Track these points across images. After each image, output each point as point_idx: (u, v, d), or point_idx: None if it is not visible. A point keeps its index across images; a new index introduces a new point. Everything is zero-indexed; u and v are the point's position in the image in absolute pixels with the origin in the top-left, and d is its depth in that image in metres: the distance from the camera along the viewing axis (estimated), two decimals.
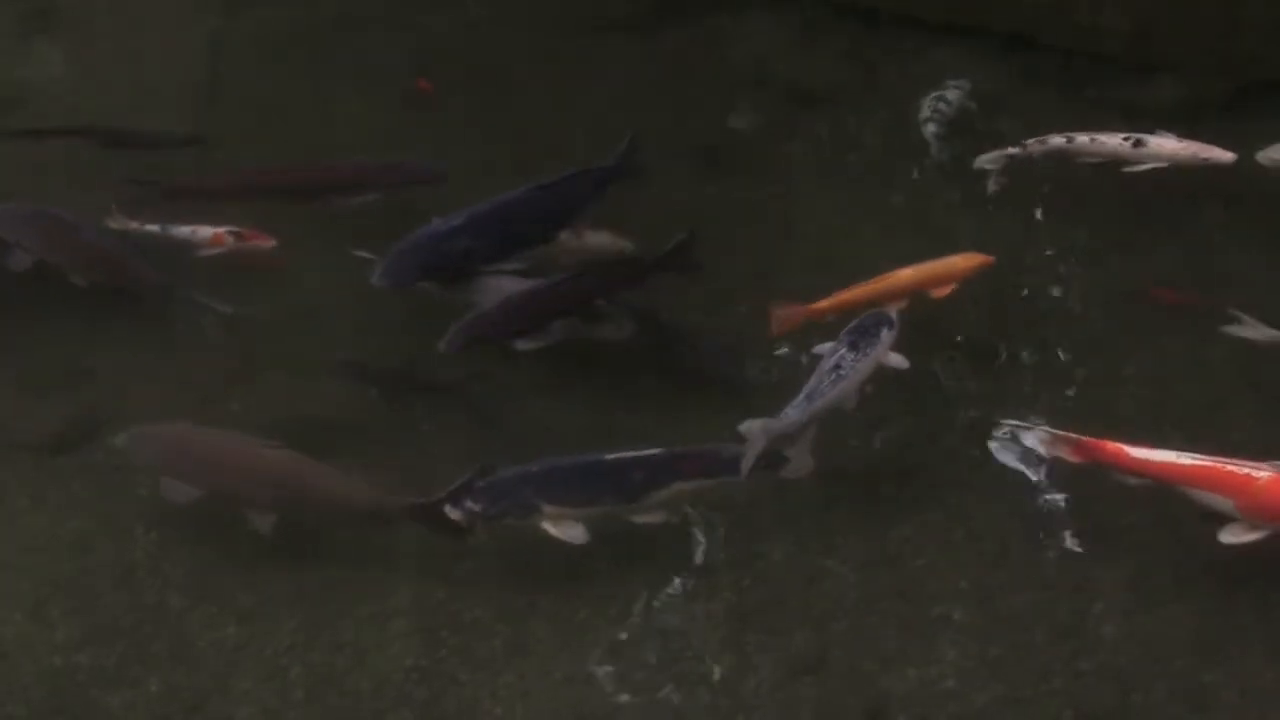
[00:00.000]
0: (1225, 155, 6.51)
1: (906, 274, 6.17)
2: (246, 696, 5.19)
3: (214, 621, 5.40)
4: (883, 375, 5.84)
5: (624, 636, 5.28)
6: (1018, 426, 5.70)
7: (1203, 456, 5.36)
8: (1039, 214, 6.86)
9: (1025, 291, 6.45)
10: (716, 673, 5.17)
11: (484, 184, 6.88)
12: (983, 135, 7.16)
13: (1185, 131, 6.66)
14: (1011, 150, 6.74)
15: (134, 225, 6.65)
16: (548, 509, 5.37)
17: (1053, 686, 5.08)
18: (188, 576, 5.55)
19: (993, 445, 5.77)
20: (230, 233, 6.57)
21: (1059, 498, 5.63)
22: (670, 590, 5.41)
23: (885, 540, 5.54)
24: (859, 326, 5.86)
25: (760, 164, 7.31)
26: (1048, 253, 6.65)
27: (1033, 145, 6.73)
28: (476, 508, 5.37)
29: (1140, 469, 5.40)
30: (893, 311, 5.93)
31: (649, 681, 5.16)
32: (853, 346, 5.75)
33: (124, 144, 7.21)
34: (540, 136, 7.40)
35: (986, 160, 6.80)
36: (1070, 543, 5.50)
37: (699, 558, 5.52)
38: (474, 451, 5.74)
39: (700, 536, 5.59)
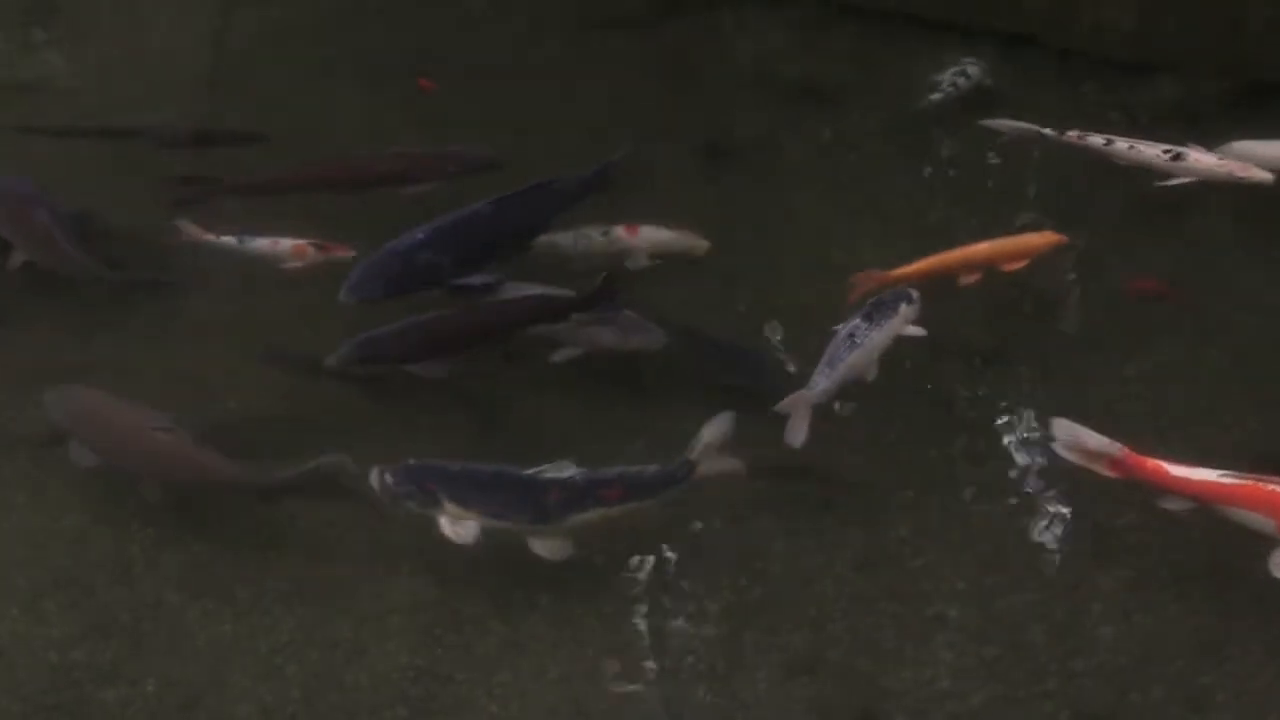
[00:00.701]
0: (1262, 175, 6.42)
1: (982, 248, 6.23)
2: (243, 693, 5.17)
3: (211, 618, 5.38)
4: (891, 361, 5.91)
5: (620, 635, 5.26)
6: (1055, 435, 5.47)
7: (1244, 476, 5.22)
8: (1039, 214, 6.85)
9: (1024, 291, 6.43)
10: (713, 672, 5.16)
11: (485, 180, 6.90)
12: (984, 134, 7.16)
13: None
14: (1045, 131, 6.71)
15: (209, 238, 6.53)
16: (449, 506, 5.33)
17: (1049, 687, 5.07)
18: (185, 572, 5.54)
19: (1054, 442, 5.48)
20: (312, 244, 6.49)
21: (1055, 498, 5.62)
22: (667, 589, 5.40)
23: (882, 541, 5.53)
24: (879, 301, 5.96)
25: (761, 162, 7.31)
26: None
27: (1071, 136, 6.70)
28: (389, 480, 5.37)
29: (1180, 488, 5.26)
30: (914, 290, 6.01)
31: (645, 680, 5.15)
32: (868, 318, 5.87)
33: (186, 144, 7.12)
34: (541, 133, 7.40)
35: (1004, 125, 6.80)
36: (1068, 543, 5.48)
37: (697, 557, 5.50)
38: (472, 449, 5.74)
39: (698, 536, 5.58)
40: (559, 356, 6.04)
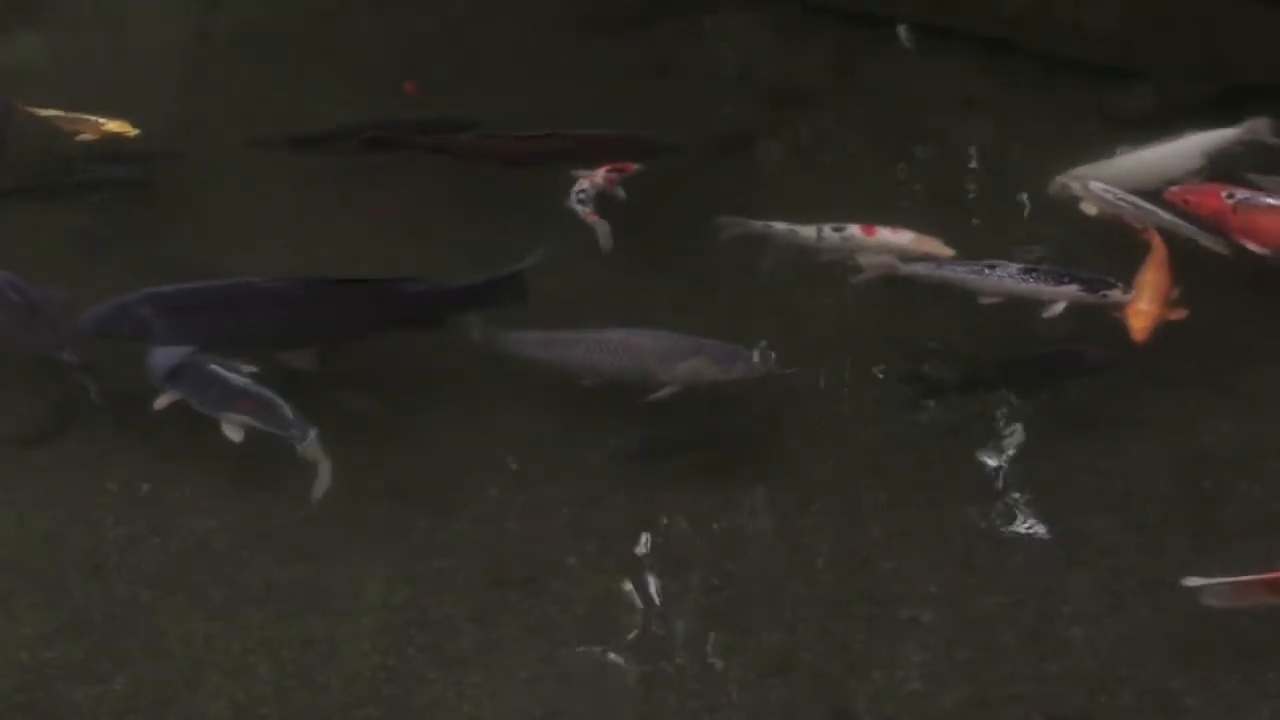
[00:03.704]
0: None
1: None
2: (215, 692, 5.16)
3: (183, 616, 5.37)
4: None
5: (593, 636, 5.26)
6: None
7: None
8: (1020, 216, 6.87)
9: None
10: (685, 673, 5.16)
11: (468, 179, 6.92)
12: (961, 139, 7.18)
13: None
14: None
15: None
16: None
17: (1020, 690, 5.07)
18: (158, 571, 5.53)
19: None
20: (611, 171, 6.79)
21: (1029, 502, 5.63)
22: (640, 590, 5.40)
23: (855, 543, 5.53)
24: (1070, 270, 6.12)
25: (741, 162, 7.32)
26: (1028, 255, 6.63)
27: None
28: None
29: None
30: (1119, 291, 6.04)
31: (617, 681, 5.15)
32: (1027, 269, 6.13)
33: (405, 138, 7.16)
34: None
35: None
36: (1040, 546, 5.49)
37: (669, 558, 5.51)
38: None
39: (671, 536, 5.59)
40: (658, 395, 5.87)
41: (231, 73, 8.19)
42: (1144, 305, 6.00)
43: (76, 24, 8.65)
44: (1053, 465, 5.76)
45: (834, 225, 6.44)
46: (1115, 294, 6.06)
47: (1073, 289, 6.08)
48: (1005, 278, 6.13)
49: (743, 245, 6.78)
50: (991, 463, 5.81)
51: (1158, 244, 6.22)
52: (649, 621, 5.31)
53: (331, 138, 7.20)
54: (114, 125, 7.29)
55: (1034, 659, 5.15)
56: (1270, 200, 6.29)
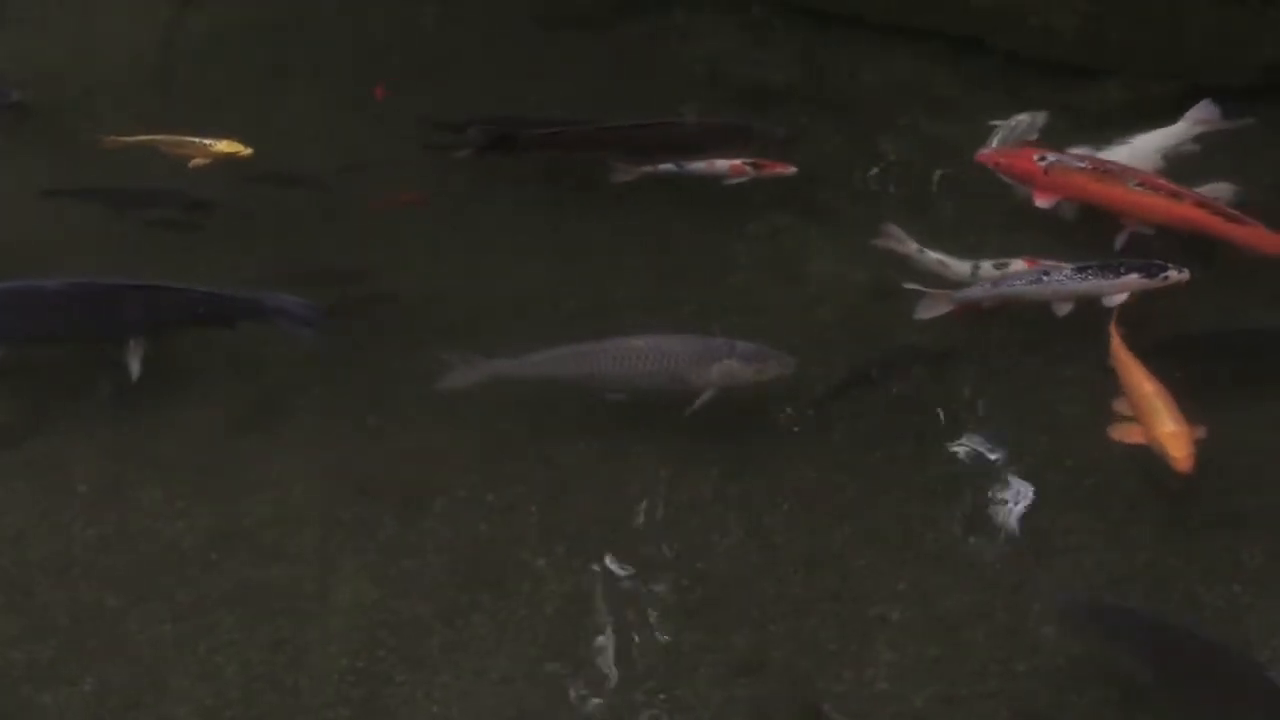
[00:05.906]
0: None
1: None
2: (183, 695, 5.13)
3: (151, 618, 5.35)
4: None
5: (563, 636, 5.25)
6: None
7: None
8: (990, 215, 6.89)
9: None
10: (655, 673, 5.15)
11: (438, 179, 6.92)
12: (930, 138, 7.19)
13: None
14: None
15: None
16: None
17: (989, 687, 5.07)
18: (126, 573, 5.50)
19: None
20: (748, 163, 6.87)
21: (997, 499, 5.65)
22: (609, 589, 5.40)
23: (826, 541, 5.53)
24: (1121, 261, 6.11)
25: None
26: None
27: None
28: None
29: None
30: (1177, 271, 6.04)
31: (587, 682, 5.14)
32: (1082, 269, 6.10)
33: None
34: None
35: None
36: (1009, 544, 5.50)
37: (638, 557, 5.51)
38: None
39: (639, 535, 5.58)
40: (698, 405, 5.78)
41: (200, 72, 8.17)
42: (1172, 426, 5.47)
43: (44, 23, 8.63)
44: (1020, 462, 5.77)
45: (996, 261, 6.32)
46: (1174, 274, 6.09)
47: (1134, 278, 6.07)
48: (1068, 282, 6.10)
49: (712, 244, 6.81)
50: (959, 461, 5.82)
51: (1123, 354, 5.85)
52: (619, 622, 5.30)
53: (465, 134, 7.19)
54: (224, 145, 7.04)
55: (1003, 656, 5.15)
56: (1078, 163, 6.55)
